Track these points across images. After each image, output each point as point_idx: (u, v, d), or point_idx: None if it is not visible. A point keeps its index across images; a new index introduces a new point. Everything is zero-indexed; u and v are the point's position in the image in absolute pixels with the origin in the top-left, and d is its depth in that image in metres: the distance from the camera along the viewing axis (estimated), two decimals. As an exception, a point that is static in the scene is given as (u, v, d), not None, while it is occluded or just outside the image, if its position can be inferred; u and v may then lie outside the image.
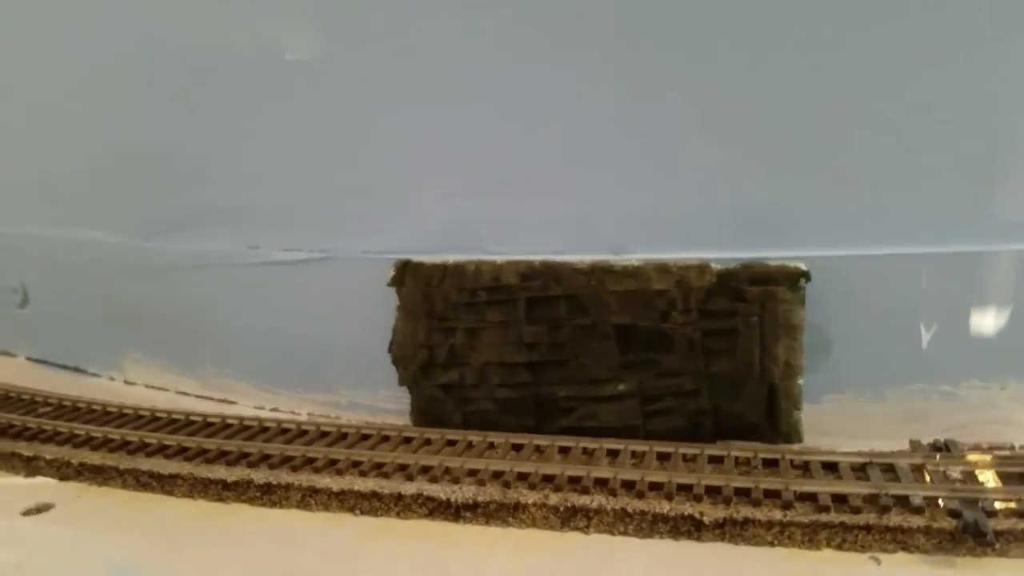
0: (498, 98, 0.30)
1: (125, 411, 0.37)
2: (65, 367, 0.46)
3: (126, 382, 0.44)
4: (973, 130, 0.28)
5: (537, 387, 0.33)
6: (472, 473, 0.30)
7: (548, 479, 0.29)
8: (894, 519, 0.26)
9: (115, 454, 0.33)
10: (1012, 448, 0.31)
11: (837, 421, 0.31)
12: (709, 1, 0.27)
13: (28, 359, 0.47)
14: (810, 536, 0.26)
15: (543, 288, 0.32)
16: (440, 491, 0.29)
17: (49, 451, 0.34)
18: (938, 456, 0.29)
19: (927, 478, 0.28)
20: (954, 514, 0.26)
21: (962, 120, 0.28)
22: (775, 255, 0.30)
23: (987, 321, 0.30)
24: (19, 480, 0.34)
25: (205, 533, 0.29)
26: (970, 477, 0.28)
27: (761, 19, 0.27)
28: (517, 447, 0.32)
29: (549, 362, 0.33)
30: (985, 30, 0.26)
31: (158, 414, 0.37)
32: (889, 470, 0.28)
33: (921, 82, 0.27)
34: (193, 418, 0.36)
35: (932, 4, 0.26)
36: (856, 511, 0.26)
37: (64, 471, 0.33)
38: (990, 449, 0.30)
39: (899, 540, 0.26)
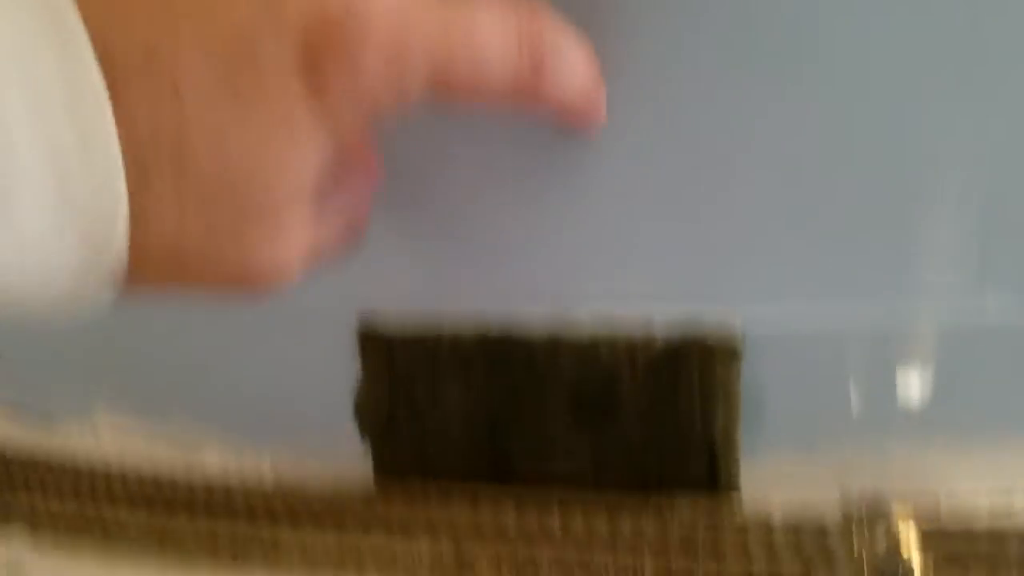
0: (458, 171, 0.32)
1: (95, 464, 0.38)
2: (36, 413, 0.47)
3: (96, 429, 0.45)
4: (895, 210, 0.30)
5: (494, 442, 0.35)
6: (428, 526, 0.31)
7: (500, 532, 0.31)
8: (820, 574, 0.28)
9: (86, 506, 0.34)
10: (936, 503, 0.33)
11: (773, 475, 0.33)
12: (653, 98, 0.29)
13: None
14: (742, 589, 0.28)
15: (501, 349, 0.34)
16: (397, 545, 0.30)
17: (22, 500, 0.35)
18: (865, 513, 0.31)
19: (854, 535, 0.30)
20: (878, 572, 0.28)
21: (887, 201, 0.30)
22: (713, 320, 0.32)
23: (913, 383, 0.33)
24: (-10, 538, 0.35)
25: (173, 585, 0.30)
26: (894, 534, 0.30)
27: (697, 105, 0.29)
28: (473, 499, 0.33)
29: (506, 420, 0.34)
30: (912, 108, 0.28)
31: (126, 468, 0.38)
32: (819, 526, 0.30)
33: (849, 162, 0.30)
34: (160, 472, 0.38)
35: (857, 83, 0.28)
36: (780, 561, 0.28)
37: (37, 521, 0.34)
38: (912, 504, 0.33)
39: (823, 594, 0.28)
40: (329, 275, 0.35)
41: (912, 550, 0.28)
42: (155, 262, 0.18)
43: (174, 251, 0.18)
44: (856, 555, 0.28)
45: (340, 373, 0.38)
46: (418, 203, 0.33)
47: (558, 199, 0.32)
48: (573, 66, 0.24)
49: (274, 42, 0.17)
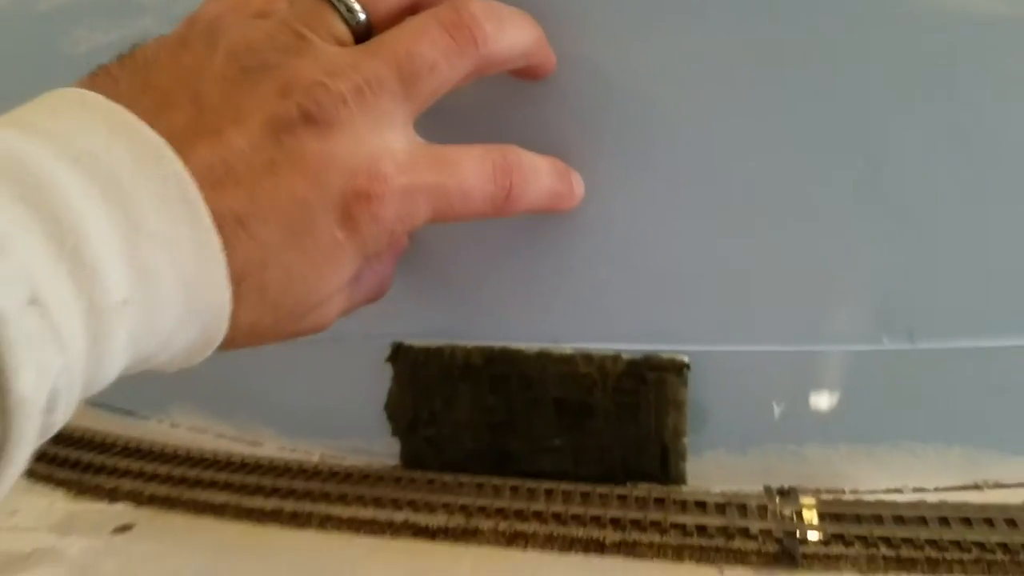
0: (473, 240, 0.41)
1: (179, 452, 0.48)
2: (119, 409, 0.57)
3: (172, 425, 0.54)
4: (801, 265, 0.39)
5: (495, 441, 0.44)
6: (445, 506, 0.40)
7: (500, 511, 0.40)
8: (736, 544, 0.35)
9: (177, 488, 0.43)
10: (842, 493, 0.42)
11: (714, 470, 0.42)
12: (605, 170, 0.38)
13: (88, 403, 0.57)
14: (678, 554, 0.35)
15: (502, 368, 0.43)
16: (421, 519, 0.39)
17: (125, 484, 0.44)
18: (778, 499, 0.40)
19: (767, 515, 0.39)
20: (777, 542, 0.37)
21: (806, 267, 0.39)
22: (666, 348, 0.41)
23: (823, 400, 0.41)
24: (105, 506, 0.44)
25: (250, 550, 0.38)
26: (798, 515, 0.38)
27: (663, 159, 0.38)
28: (479, 486, 0.42)
29: (505, 423, 0.43)
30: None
31: (205, 456, 0.48)
32: (742, 508, 0.39)
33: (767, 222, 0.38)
34: (232, 459, 0.47)
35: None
36: (711, 537, 0.36)
37: (139, 499, 0.43)
38: (819, 494, 0.41)
39: (738, 559, 0.35)
40: (370, 311, 0.44)
41: (810, 529, 0.37)
42: (239, 339, 0.25)
43: (252, 332, 0.26)
44: (768, 529, 0.37)
45: (376, 384, 0.48)
46: (440, 264, 0.42)
47: (546, 260, 0.41)
48: (538, 182, 0.32)
49: (323, 208, 0.25)
